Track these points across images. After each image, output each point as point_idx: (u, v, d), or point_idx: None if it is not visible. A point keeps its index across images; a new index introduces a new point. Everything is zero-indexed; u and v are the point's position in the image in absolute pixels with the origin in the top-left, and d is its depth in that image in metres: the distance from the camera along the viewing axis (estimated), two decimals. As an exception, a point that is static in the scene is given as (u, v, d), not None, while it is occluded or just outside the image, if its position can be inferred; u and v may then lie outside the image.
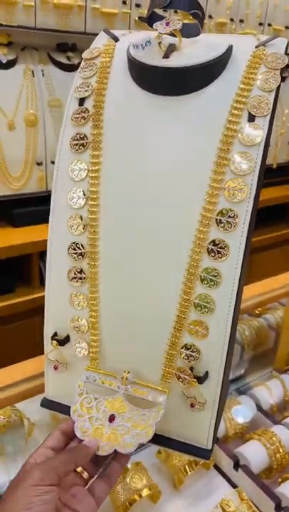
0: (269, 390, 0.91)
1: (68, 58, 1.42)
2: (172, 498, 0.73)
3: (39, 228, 1.44)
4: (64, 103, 1.42)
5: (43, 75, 1.38)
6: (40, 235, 1.39)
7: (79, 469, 0.45)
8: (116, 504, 0.67)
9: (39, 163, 1.41)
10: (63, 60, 1.41)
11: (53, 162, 1.44)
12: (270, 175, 2.06)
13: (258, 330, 1.09)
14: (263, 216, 2.03)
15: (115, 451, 0.44)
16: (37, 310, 1.44)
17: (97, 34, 1.48)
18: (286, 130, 2.02)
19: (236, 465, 0.75)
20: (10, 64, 1.31)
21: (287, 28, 1.82)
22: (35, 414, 0.81)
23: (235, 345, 1.03)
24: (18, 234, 1.41)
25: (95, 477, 0.45)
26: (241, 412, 0.86)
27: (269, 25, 1.76)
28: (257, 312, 1.17)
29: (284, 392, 0.91)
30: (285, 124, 2.01)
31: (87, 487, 0.44)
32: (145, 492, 0.68)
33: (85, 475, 0.44)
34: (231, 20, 1.65)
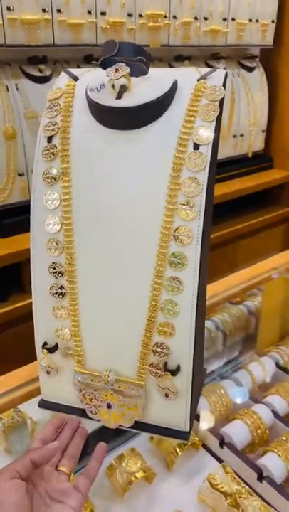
0: (250, 373, 0.98)
1: (40, 70, 1.47)
2: (166, 478, 0.81)
3: (26, 236, 1.48)
4: (39, 114, 1.47)
5: (17, 89, 1.43)
6: (28, 243, 1.45)
7: (60, 468, 0.53)
8: (115, 487, 0.75)
9: (21, 174, 1.47)
10: (35, 72, 1.46)
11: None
12: (247, 164, 2.13)
13: (239, 317, 1.16)
14: (244, 204, 2.11)
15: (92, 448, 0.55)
16: (31, 315, 1.51)
17: (66, 45, 1.52)
18: (258, 119, 2.09)
19: (222, 443, 0.83)
20: (-16, 82, 1.36)
21: (250, 21, 1.87)
22: (37, 413, 0.88)
23: (217, 333, 1.11)
24: (7, 244, 1.47)
25: (78, 474, 0.53)
26: (238, 394, 0.94)
27: (233, 19, 1.82)
28: (237, 300, 1.25)
29: (264, 374, 0.99)
30: (256, 113, 2.07)
31: (72, 484, 0.52)
32: (140, 474, 0.76)
33: (67, 471, 0.53)
34: (196, 18, 1.70)
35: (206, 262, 0.55)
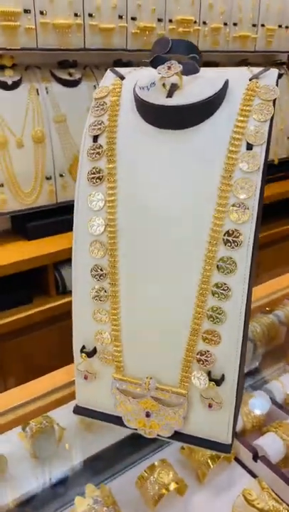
0: (282, 384, 0.95)
1: (70, 74, 1.47)
2: (198, 491, 0.79)
3: (52, 240, 1.50)
4: (68, 118, 1.48)
5: (47, 92, 1.43)
6: (54, 247, 1.45)
7: None
8: (146, 498, 0.73)
9: (48, 178, 1.47)
10: (65, 76, 1.47)
11: (61, 175, 1.49)
12: (273, 171, 2.10)
13: (269, 326, 1.13)
14: (269, 212, 2.08)
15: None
16: (55, 318, 1.50)
17: (96, 49, 1.52)
18: (285, 126, 2.06)
19: (255, 456, 0.80)
20: (15, 85, 1.37)
21: (280, 27, 1.86)
22: (65, 419, 0.86)
23: (247, 343, 1.08)
24: (32, 247, 1.47)
25: None
26: (258, 405, 0.91)
27: (262, 25, 1.80)
28: (267, 309, 1.22)
29: (297, 386, 0.96)
30: (284, 120, 2.04)
31: None
32: (172, 486, 0.73)
33: None
34: (225, 24, 1.69)
35: (254, 268, 0.52)
